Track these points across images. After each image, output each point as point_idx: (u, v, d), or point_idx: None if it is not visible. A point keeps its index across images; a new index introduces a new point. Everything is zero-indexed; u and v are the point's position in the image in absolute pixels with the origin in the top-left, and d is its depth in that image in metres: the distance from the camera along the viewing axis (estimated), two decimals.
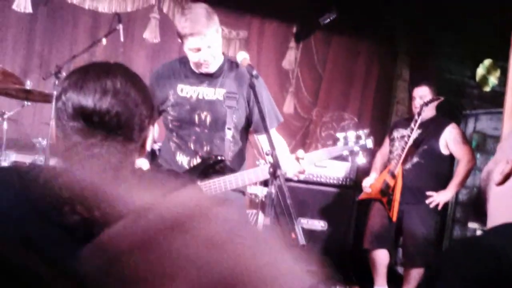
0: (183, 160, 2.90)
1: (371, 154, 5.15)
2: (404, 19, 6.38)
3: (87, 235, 1.20)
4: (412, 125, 4.52)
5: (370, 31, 6.58)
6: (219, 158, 2.82)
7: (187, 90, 2.90)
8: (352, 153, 2.88)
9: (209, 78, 2.92)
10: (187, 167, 2.86)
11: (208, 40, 2.75)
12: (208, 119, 2.88)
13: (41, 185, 1.23)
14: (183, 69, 2.94)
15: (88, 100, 1.26)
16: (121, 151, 1.27)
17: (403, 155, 4.56)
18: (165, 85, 2.90)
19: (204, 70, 2.86)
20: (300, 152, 2.75)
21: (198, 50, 2.76)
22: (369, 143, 2.89)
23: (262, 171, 2.70)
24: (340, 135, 2.88)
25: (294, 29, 6.51)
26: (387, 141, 5.10)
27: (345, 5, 6.05)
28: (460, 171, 4.66)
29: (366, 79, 6.86)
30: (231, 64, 2.96)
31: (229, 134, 2.89)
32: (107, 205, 1.19)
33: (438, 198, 4.59)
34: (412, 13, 6.19)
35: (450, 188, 4.64)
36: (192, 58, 2.82)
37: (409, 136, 4.53)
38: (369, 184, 4.90)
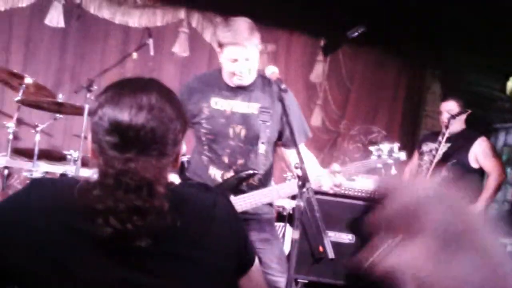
0: (216, 173, 2.89)
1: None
2: (432, 32, 6.34)
3: (118, 247, 1.24)
4: (440, 138, 4.48)
5: (398, 44, 6.56)
6: (252, 172, 2.84)
7: (221, 103, 2.89)
8: (386, 166, 2.93)
9: (243, 91, 2.92)
10: (220, 180, 2.86)
11: (247, 53, 2.78)
12: (243, 133, 2.88)
13: (75, 196, 1.26)
14: (216, 82, 2.94)
15: (124, 115, 1.28)
16: (155, 167, 1.28)
17: (431, 169, 4.52)
18: (199, 98, 2.90)
19: (237, 82, 2.86)
20: (336, 166, 2.81)
21: (235, 60, 2.78)
22: (402, 156, 2.96)
23: (295, 184, 2.74)
24: (373, 148, 2.95)
25: (322, 43, 6.52)
26: (416, 155, 5.07)
27: (373, 18, 6.04)
28: (490, 185, 4.59)
29: (395, 92, 6.83)
30: (264, 79, 2.96)
31: (262, 148, 2.90)
32: (140, 219, 1.22)
33: None
34: (440, 26, 6.15)
35: (479, 202, 4.57)
36: (228, 68, 2.83)
37: (437, 150, 4.48)
38: None
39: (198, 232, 1.37)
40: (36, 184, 1.35)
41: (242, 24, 2.80)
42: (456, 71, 6.53)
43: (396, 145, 2.97)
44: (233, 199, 2.77)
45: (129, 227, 1.21)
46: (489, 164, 4.62)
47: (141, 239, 1.23)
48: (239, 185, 2.84)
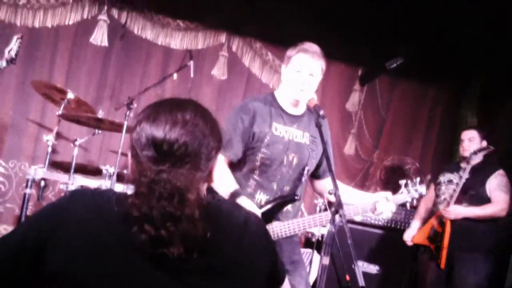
0: (262, 198, 2.90)
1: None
2: (471, 66, 6.32)
3: (153, 253, 1.30)
4: (461, 173, 4.51)
5: (436, 77, 6.55)
6: (295, 197, 2.89)
7: (280, 130, 2.92)
8: (412, 200, 3.07)
9: (297, 119, 2.98)
10: (264, 205, 2.88)
11: (313, 66, 2.87)
12: (295, 161, 2.92)
13: (113, 206, 1.34)
14: (275, 108, 2.96)
15: (159, 131, 1.36)
16: (187, 177, 1.35)
17: (452, 202, 4.50)
18: (264, 121, 2.90)
19: (297, 95, 2.90)
20: (389, 194, 2.93)
21: (299, 72, 2.86)
22: (423, 190, 3.10)
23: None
24: (401, 182, 3.08)
25: (360, 72, 6.56)
26: (432, 187, 5.06)
27: (411, 50, 6.04)
28: (486, 207, 4.55)
29: (430, 125, 6.81)
30: (308, 108, 3.02)
31: (305, 177, 2.97)
32: (172, 225, 1.27)
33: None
34: (478, 60, 6.13)
35: (466, 208, 4.54)
36: (292, 79, 2.89)
37: (458, 184, 4.49)
38: (411, 237, 4.89)
39: (231, 248, 1.41)
40: (76, 193, 1.42)
41: (315, 45, 2.93)
42: (495, 104, 6.47)
43: (418, 179, 3.09)
44: (275, 225, 2.82)
45: (162, 233, 1.28)
46: (497, 197, 4.59)
47: (174, 246, 1.28)
48: (281, 208, 2.87)
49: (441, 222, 4.58)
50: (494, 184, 4.62)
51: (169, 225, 1.28)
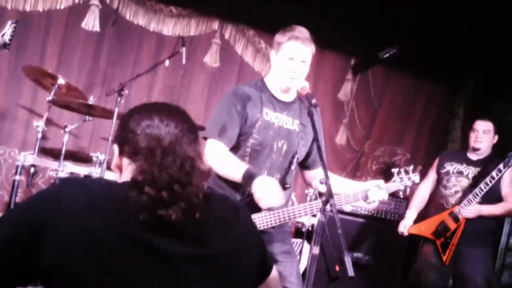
0: None
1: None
2: (465, 59, 6.31)
3: (151, 246, 1.28)
4: (494, 174, 4.28)
5: (431, 72, 6.53)
6: (287, 186, 2.86)
7: (270, 115, 2.90)
8: (405, 188, 3.04)
9: (287, 106, 2.96)
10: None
11: (305, 53, 2.84)
12: (284, 148, 2.90)
13: (106, 193, 1.36)
14: (265, 94, 2.94)
15: (161, 115, 1.44)
16: (197, 150, 1.43)
17: (475, 202, 4.35)
18: (255, 106, 2.89)
19: (288, 83, 2.87)
20: (382, 182, 2.91)
21: (292, 59, 2.83)
22: (417, 179, 3.08)
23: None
24: (394, 170, 3.06)
25: (353, 62, 6.54)
26: (432, 175, 4.87)
27: (406, 41, 6.03)
28: (507, 207, 4.45)
29: (423, 116, 6.80)
30: (299, 96, 3.01)
31: (294, 164, 2.94)
32: (180, 187, 1.30)
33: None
34: (473, 53, 6.12)
35: (485, 207, 4.41)
36: (283, 66, 2.86)
37: (486, 184, 4.28)
38: (407, 229, 4.75)
39: (225, 238, 1.42)
40: (66, 182, 1.40)
41: (304, 29, 2.89)
42: (485, 99, 6.48)
43: (411, 167, 3.07)
44: (264, 214, 2.78)
45: (163, 194, 1.30)
46: (510, 194, 4.49)
47: (174, 208, 1.31)
48: None
49: (456, 218, 4.42)
50: (508, 181, 4.51)
51: (176, 187, 1.32)
